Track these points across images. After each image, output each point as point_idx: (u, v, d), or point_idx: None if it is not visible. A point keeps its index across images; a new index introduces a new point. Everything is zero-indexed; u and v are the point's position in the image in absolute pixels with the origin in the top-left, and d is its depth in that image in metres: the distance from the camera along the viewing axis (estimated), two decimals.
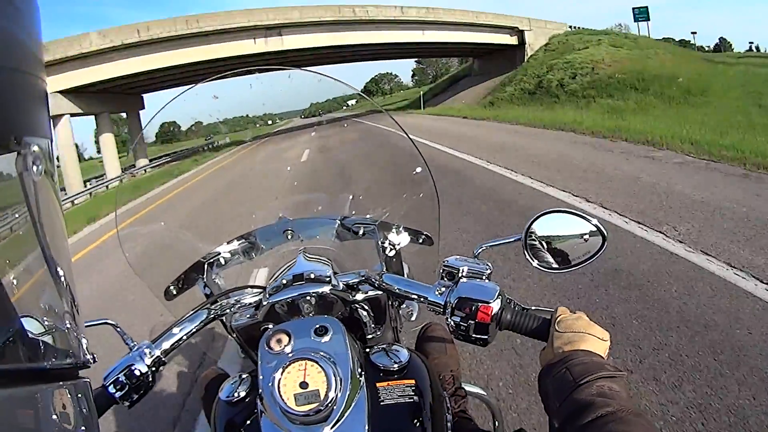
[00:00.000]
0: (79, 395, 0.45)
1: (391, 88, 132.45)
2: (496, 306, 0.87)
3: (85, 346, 0.49)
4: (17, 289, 0.38)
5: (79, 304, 0.50)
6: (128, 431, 2.69)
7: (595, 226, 0.93)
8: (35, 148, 0.41)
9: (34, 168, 0.41)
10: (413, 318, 1.33)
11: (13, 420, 0.35)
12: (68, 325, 0.46)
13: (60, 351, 0.44)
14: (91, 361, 0.50)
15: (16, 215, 0.40)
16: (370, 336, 1.12)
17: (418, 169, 1.29)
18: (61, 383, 0.43)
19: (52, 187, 0.45)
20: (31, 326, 0.40)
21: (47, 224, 0.43)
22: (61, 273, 0.46)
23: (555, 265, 0.98)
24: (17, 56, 0.40)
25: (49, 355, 0.42)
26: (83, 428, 0.44)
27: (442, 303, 0.92)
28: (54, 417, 0.40)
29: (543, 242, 0.97)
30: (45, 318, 0.43)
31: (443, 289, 0.94)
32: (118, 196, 1.35)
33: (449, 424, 0.99)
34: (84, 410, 0.45)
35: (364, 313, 1.09)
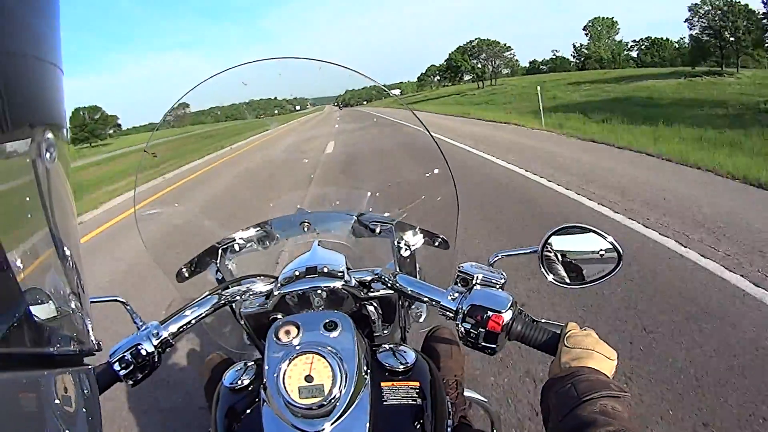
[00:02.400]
0: (83, 382, 0.45)
1: (494, 69, 75.97)
2: (507, 316, 0.87)
3: (91, 333, 0.49)
4: (26, 275, 0.38)
5: (87, 290, 0.50)
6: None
7: (611, 243, 0.94)
8: (49, 135, 0.42)
9: (47, 155, 0.41)
10: (422, 320, 1.33)
11: (16, 404, 0.35)
12: (76, 312, 0.46)
13: (66, 337, 0.44)
14: (96, 349, 0.50)
15: (28, 201, 0.40)
16: (377, 334, 1.12)
17: (440, 171, 1.28)
18: (65, 369, 0.42)
19: (65, 173, 0.46)
20: (39, 311, 0.40)
21: (58, 211, 0.43)
22: (70, 259, 0.46)
23: (569, 280, 0.98)
24: (35, 44, 0.40)
25: (56, 341, 0.42)
26: (85, 414, 0.44)
27: (454, 308, 0.92)
28: (57, 402, 0.40)
29: (558, 255, 0.98)
30: (53, 303, 0.43)
31: (456, 294, 0.94)
32: (138, 176, 1.37)
33: (449, 429, 0.99)
34: (87, 397, 0.45)
35: (374, 310, 1.09)
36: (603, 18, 77.03)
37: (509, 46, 77.08)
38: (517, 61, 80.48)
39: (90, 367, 0.48)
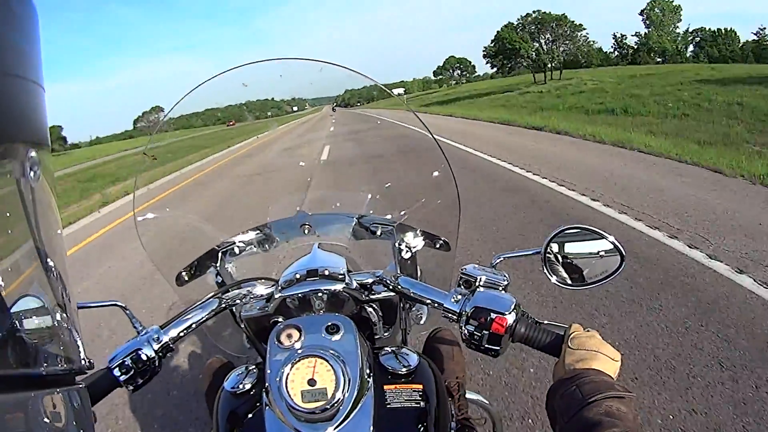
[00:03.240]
0: (75, 402, 0.44)
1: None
2: (511, 318, 0.87)
3: (82, 351, 0.49)
4: (12, 294, 0.38)
5: (76, 308, 0.49)
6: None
7: (613, 243, 0.93)
8: (33, 153, 0.41)
9: (32, 173, 0.41)
10: (423, 321, 1.32)
11: (5, 427, 0.34)
12: (66, 330, 0.46)
13: (56, 356, 0.44)
14: (88, 367, 0.49)
15: (13, 221, 0.40)
16: (378, 336, 1.12)
17: (441, 173, 1.27)
18: (56, 389, 0.42)
19: (50, 191, 0.46)
20: (27, 331, 0.39)
21: (44, 230, 0.43)
22: (58, 278, 0.45)
23: (570, 282, 0.98)
24: (15, 62, 0.40)
25: (46, 361, 0.42)
26: None
27: (458, 311, 0.92)
28: (48, 422, 0.39)
29: (560, 257, 0.98)
30: (42, 323, 0.42)
31: (459, 296, 0.93)
32: (137, 180, 1.36)
33: None
34: (79, 416, 0.45)
35: (375, 313, 1.08)
36: (664, 1, 61.88)
37: (581, 24, 50.73)
38: (592, 43, 54.84)
39: (82, 385, 0.47)
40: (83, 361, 0.48)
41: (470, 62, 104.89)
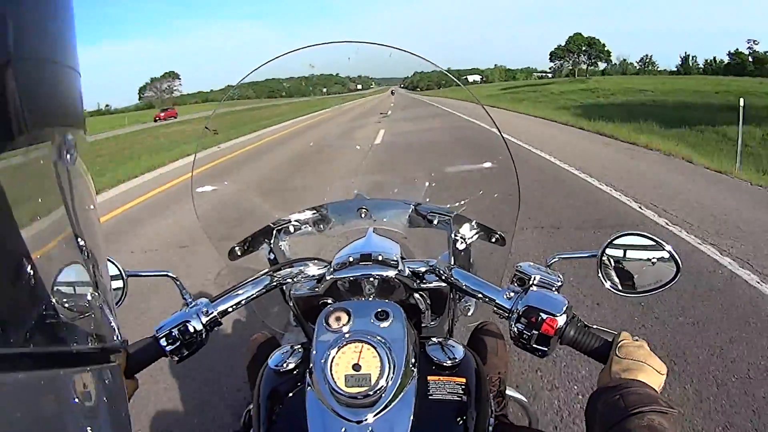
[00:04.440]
0: (108, 380, 0.45)
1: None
2: (561, 320, 0.87)
3: (117, 330, 0.49)
4: (49, 272, 0.38)
5: (111, 287, 0.50)
6: None
7: (669, 252, 0.93)
8: (69, 136, 0.42)
9: (68, 156, 0.42)
10: (470, 313, 1.32)
11: (38, 404, 0.35)
12: (100, 309, 0.46)
13: (91, 334, 0.44)
14: (122, 346, 0.50)
15: (51, 201, 0.40)
16: (424, 325, 1.11)
17: (503, 165, 1.24)
18: (90, 367, 0.42)
19: (85, 174, 0.46)
20: (63, 309, 0.40)
21: (80, 211, 0.44)
22: (94, 258, 0.46)
23: (624, 288, 0.98)
24: (51, 47, 0.40)
25: (80, 339, 0.42)
26: (114, 412, 0.44)
27: (509, 308, 0.92)
28: (81, 402, 0.39)
29: (615, 262, 0.98)
30: (77, 301, 0.43)
31: (512, 294, 0.93)
32: (197, 150, 1.39)
33: (490, 428, 0.97)
34: (112, 395, 0.45)
35: (423, 301, 1.08)
36: None
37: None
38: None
39: (116, 363, 0.48)
40: (118, 339, 0.49)
41: (603, 44, 76.38)
